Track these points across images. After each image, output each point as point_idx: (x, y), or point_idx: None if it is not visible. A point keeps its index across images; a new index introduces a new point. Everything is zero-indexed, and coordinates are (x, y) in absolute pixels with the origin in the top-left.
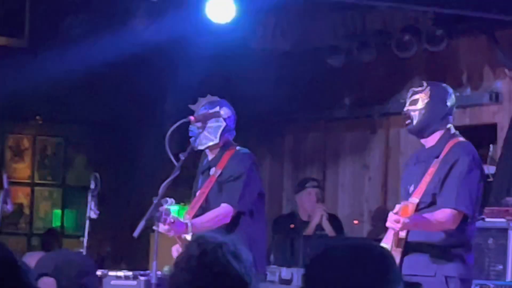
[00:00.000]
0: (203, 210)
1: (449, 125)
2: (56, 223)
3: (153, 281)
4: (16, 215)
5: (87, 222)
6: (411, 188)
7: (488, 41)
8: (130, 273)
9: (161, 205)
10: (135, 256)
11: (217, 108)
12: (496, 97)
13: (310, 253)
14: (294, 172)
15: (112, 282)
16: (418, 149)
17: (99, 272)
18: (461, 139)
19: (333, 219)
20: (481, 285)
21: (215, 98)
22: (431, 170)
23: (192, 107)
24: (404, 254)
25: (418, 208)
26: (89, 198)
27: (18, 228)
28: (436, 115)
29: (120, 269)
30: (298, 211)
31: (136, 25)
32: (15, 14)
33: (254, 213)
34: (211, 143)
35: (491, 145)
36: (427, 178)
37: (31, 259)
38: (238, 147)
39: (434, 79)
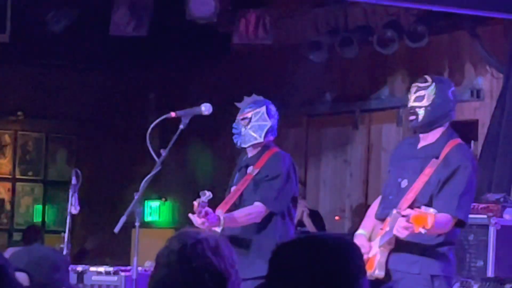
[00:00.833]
0: (236, 207)
1: (450, 122)
2: (37, 219)
3: (134, 276)
4: None
5: (68, 218)
6: (404, 183)
7: (469, 38)
8: (111, 269)
9: (138, 206)
10: (116, 251)
11: (263, 108)
12: (477, 94)
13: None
14: None
15: (93, 277)
16: (408, 141)
17: (79, 268)
18: (460, 140)
19: (314, 215)
20: (461, 281)
21: (260, 98)
22: (429, 170)
23: (238, 105)
24: (390, 251)
25: (413, 207)
26: (70, 193)
27: None
28: (441, 112)
29: (101, 265)
30: None
31: (118, 20)
32: None
33: (286, 216)
34: (255, 142)
35: (472, 142)
36: (423, 179)
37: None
38: (278, 149)
39: (415, 75)
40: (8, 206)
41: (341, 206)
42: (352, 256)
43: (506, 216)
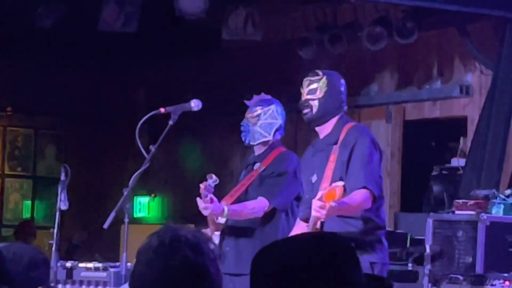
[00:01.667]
0: (240, 201)
1: (343, 112)
2: (26, 214)
3: (123, 272)
4: None
5: (58, 214)
6: (314, 178)
7: (459, 34)
8: (100, 265)
9: (127, 202)
10: (105, 247)
11: (272, 106)
12: (466, 90)
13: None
14: None
15: (82, 273)
16: (311, 147)
17: (68, 264)
18: (355, 123)
19: None
20: (450, 278)
21: (268, 96)
22: (333, 156)
23: (247, 102)
24: None
25: None
26: (60, 189)
27: None
28: (334, 103)
29: (90, 261)
30: None
31: (106, 16)
32: None
33: (289, 214)
34: (264, 139)
35: (461, 138)
36: (331, 165)
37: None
38: (285, 148)
39: (404, 71)
40: None
41: None
42: (341, 248)
43: (495, 212)
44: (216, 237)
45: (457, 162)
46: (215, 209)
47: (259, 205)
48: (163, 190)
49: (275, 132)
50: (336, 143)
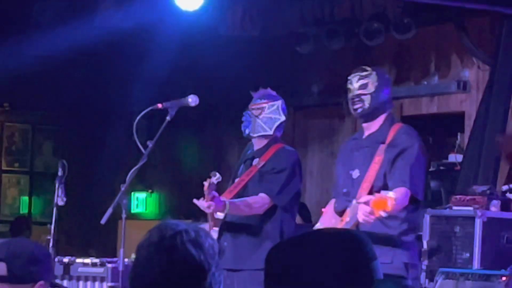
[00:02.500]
0: (239, 197)
1: (391, 109)
2: (24, 210)
3: (120, 268)
4: None
5: (55, 209)
6: (356, 173)
7: (456, 30)
8: (97, 260)
9: (124, 197)
10: (102, 243)
11: (278, 102)
12: (464, 86)
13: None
14: None
15: (79, 269)
16: (352, 138)
17: (66, 259)
18: (402, 124)
19: (301, 207)
20: (447, 273)
21: (274, 93)
22: (378, 158)
23: (253, 94)
24: None
25: (371, 192)
26: (57, 185)
27: None
28: (384, 98)
29: (88, 256)
30: None
31: (104, 12)
32: None
33: (288, 211)
34: (264, 133)
35: (458, 134)
36: (375, 166)
37: None
38: (285, 144)
39: (402, 67)
40: None
41: (327, 198)
42: (360, 244)
43: (492, 208)
44: (214, 232)
45: (455, 157)
46: (217, 204)
47: (260, 201)
48: (161, 186)
49: (276, 128)
50: (383, 142)
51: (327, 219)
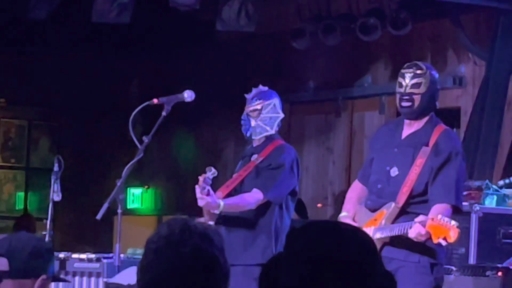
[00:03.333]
0: (236, 192)
1: (435, 110)
2: (20, 206)
3: (116, 263)
4: None
5: (51, 205)
6: (394, 171)
7: (452, 25)
8: (93, 256)
9: (120, 193)
10: (98, 238)
11: (274, 100)
12: (459, 81)
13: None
14: None
15: (75, 264)
16: (387, 127)
17: (61, 255)
18: (445, 126)
19: (297, 203)
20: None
21: (265, 88)
22: (420, 161)
23: (246, 96)
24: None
25: (411, 196)
26: (53, 180)
27: None
28: (434, 99)
29: (84, 252)
30: None
31: (101, 6)
32: None
33: (283, 208)
34: (267, 134)
35: (454, 129)
36: (417, 170)
37: None
38: (283, 141)
39: (398, 62)
40: None
41: (323, 193)
42: (368, 244)
43: (488, 203)
44: None
45: None
46: (211, 202)
47: (253, 197)
48: (157, 181)
49: (277, 125)
50: (426, 145)
51: (352, 207)
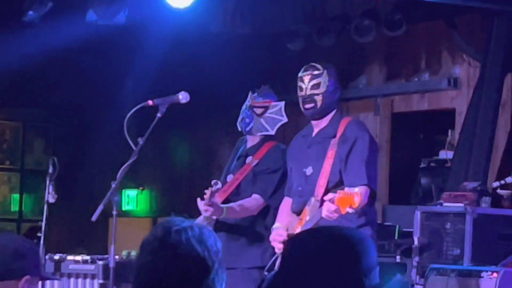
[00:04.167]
0: (233, 196)
1: (339, 106)
2: (15, 208)
3: (111, 265)
4: None
5: (46, 207)
6: (309, 170)
7: (447, 27)
8: (88, 257)
9: (115, 195)
10: (93, 240)
11: (282, 103)
12: (454, 83)
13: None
14: None
15: (70, 266)
16: (300, 135)
17: (56, 257)
18: (351, 117)
19: None
20: (437, 270)
21: (271, 90)
22: (331, 152)
23: (256, 91)
24: None
25: (328, 188)
26: (47, 182)
27: None
28: (334, 97)
29: (78, 253)
30: None
31: (95, 8)
32: None
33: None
34: (265, 133)
35: (449, 130)
36: (329, 161)
37: None
38: (277, 142)
39: (392, 64)
40: None
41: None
42: (366, 247)
43: (483, 204)
44: None
45: (445, 154)
46: (216, 211)
47: (254, 203)
48: (151, 183)
49: (276, 129)
50: (334, 137)
51: (285, 218)
